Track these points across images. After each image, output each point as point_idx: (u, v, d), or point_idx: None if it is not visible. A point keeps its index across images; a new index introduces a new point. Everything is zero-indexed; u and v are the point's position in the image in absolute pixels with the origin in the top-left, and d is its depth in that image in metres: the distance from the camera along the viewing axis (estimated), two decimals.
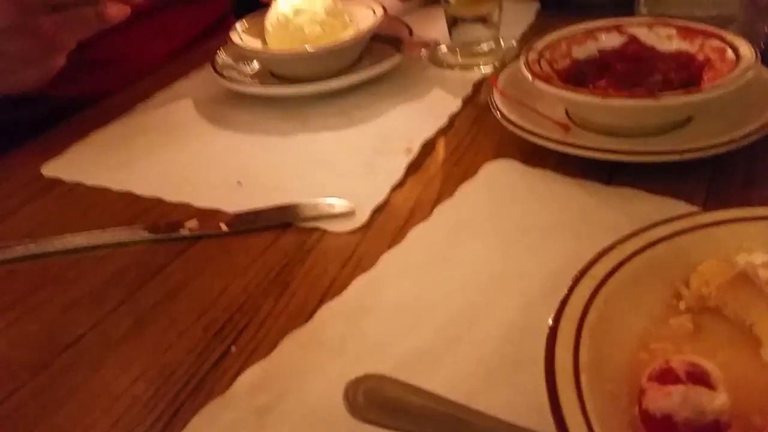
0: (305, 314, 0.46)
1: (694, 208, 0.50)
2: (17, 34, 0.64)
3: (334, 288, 0.48)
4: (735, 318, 0.38)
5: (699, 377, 0.32)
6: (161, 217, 0.59)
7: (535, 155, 0.59)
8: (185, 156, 0.68)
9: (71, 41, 0.68)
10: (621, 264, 0.41)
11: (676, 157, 0.53)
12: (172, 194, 0.61)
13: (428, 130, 0.66)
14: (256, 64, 0.81)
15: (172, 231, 0.57)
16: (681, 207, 0.51)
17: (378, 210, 0.56)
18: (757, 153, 0.56)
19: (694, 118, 0.59)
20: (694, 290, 0.40)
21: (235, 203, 0.59)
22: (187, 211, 0.60)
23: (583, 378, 0.34)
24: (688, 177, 0.54)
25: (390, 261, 0.50)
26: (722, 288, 0.39)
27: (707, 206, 0.51)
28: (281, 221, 0.56)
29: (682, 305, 0.40)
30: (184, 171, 0.65)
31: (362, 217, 0.55)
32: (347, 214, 0.55)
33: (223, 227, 0.56)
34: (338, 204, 0.56)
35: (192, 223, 0.57)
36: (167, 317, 0.48)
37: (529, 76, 0.58)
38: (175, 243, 0.55)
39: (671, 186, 0.53)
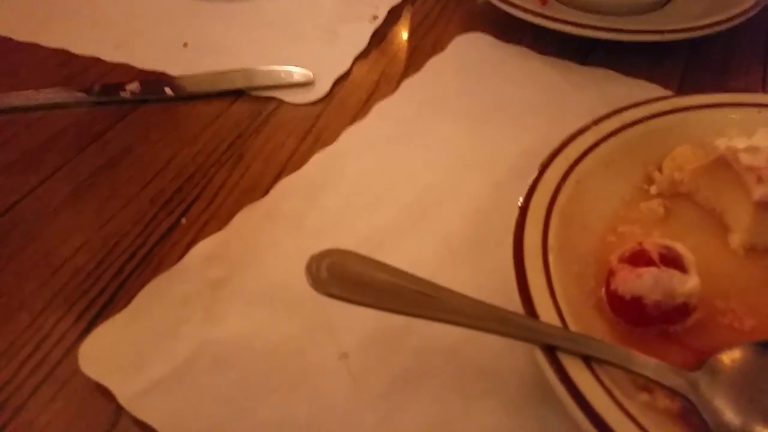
0: (261, 188, 0.43)
1: (669, 93, 0.49)
2: None
3: (292, 162, 0.45)
4: (706, 204, 0.38)
5: (672, 260, 0.31)
6: (99, 78, 0.54)
7: (509, 29, 0.55)
8: (123, 11, 0.61)
9: None
10: (595, 145, 0.40)
11: (657, 37, 0.50)
12: (110, 53, 0.56)
13: None
14: None
15: (112, 93, 0.52)
16: (656, 91, 0.49)
17: (340, 81, 0.52)
18: (734, 42, 0.55)
19: (675, 0, 0.56)
20: (666, 175, 0.39)
21: (180, 66, 0.54)
22: (127, 72, 0.54)
23: (551, 258, 0.33)
24: (664, 61, 0.52)
25: (352, 136, 0.47)
26: (696, 173, 0.38)
27: (682, 92, 0.49)
28: (233, 88, 0.52)
29: (653, 190, 0.39)
30: (122, 29, 0.59)
31: (323, 87, 0.51)
32: (306, 84, 0.52)
33: (168, 92, 0.51)
34: (297, 72, 0.52)
35: (133, 86, 0.52)
36: (109, 186, 0.44)
37: None
38: (115, 106, 0.51)
39: (646, 69, 0.51)
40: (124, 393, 0.31)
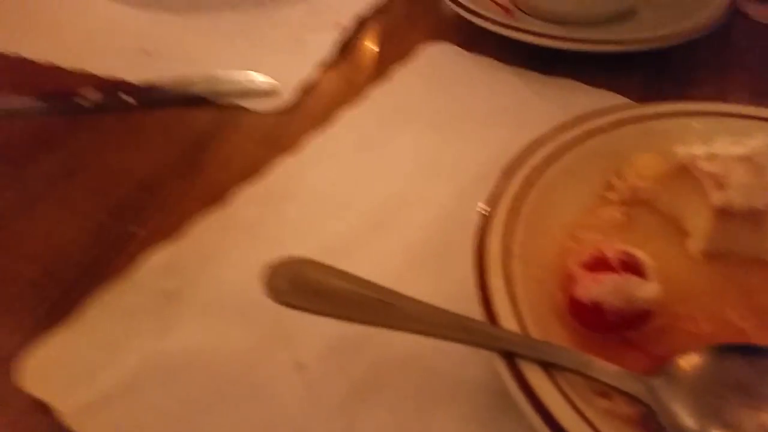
0: (220, 197, 0.42)
1: (631, 102, 0.49)
2: None
3: (252, 170, 0.44)
4: (665, 210, 0.38)
5: (631, 266, 0.31)
6: (56, 86, 0.52)
7: (474, 39, 0.55)
8: (82, 18, 0.60)
9: None
10: (557, 153, 0.40)
11: (616, 47, 0.51)
12: (68, 60, 0.54)
13: (361, 5, 0.60)
14: None
15: (69, 101, 0.50)
16: (619, 100, 0.49)
17: (304, 90, 0.52)
18: (694, 53, 0.55)
19: (639, 12, 0.57)
20: (627, 182, 0.39)
21: (141, 73, 0.52)
22: (85, 79, 0.53)
23: (513, 265, 0.33)
24: (627, 72, 0.53)
25: (316, 145, 0.46)
26: (656, 180, 0.38)
27: (643, 101, 0.49)
28: (194, 95, 0.51)
29: (613, 197, 0.39)
30: (81, 35, 0.58)
31: (287, 96, 0.51)
32: (269, 92, 0.51)
33: (128, 99, 0.50)
34: (260, 80, 0.51)
35: (92, 93, 0.51)
36: (62, 195, 0.43)
37: None
38: (72, 114, 0.49)
39: (609, 80, 0.52)
40: (66, 409, 0.30)
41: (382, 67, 0.54)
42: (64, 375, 0.31)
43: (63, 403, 0.30)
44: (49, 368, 0.32)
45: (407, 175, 0.44)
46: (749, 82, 0.52)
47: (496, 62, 0.54)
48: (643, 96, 0.51)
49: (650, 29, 0.53)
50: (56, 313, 0.35)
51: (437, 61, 0.55)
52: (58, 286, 0.36)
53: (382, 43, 0.58)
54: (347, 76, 0.54)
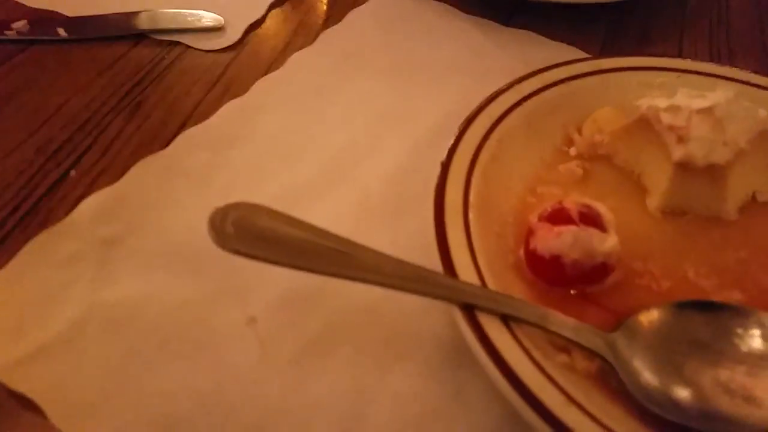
0: (162, 139, 0.40)
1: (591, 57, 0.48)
2: None
3: (198, 113, 0.42)
4: (624, 166, 0.38)
5: (591, 219, 0.30)
6: None
7: None
8: None
9: None
10: (517, 104, 0.39)
11: None
12: None
13: None
14: None
15: None
16: (578, 54, 0.48)
17: (253, 28, 0.49)
18: (653, 10, 0.55)
19: None
20: (586, 136, 0.39)
21: (75, 5, 0.49)
22: (15, 9, 0.49)
23: (472, 216, 0.32)
24: (585, 27, 0.52)
25: (266, 88, 0.44)
26: (616, 134, 0.37)
27: (603, 54, 0.49)
28: (134, 30, 0.47)
29: (572, 151, 0.39)
30: None
31: (234, 34, 0.48)
32: (216, 29, 0.48)
33: (61, 32, 0.46)
34: (205, 16, 0.48)
35: (21, 25, 0.47)
36: None
37: None
38: (0, 46, 0.45)
39: (568, 34, 0.51)
40: None
41: (336, 8, 0.52)
42: None
43: None
44: None
45: (362, 123, 0.42)
46: (707, 40, 0.52)
47: (454, 10, 0.52)
48: (602, 51, 0.50)
49: None
50: None
51: (393, 6, 0.53)
52: None
53: None
54: (299, 16, 0.51)
